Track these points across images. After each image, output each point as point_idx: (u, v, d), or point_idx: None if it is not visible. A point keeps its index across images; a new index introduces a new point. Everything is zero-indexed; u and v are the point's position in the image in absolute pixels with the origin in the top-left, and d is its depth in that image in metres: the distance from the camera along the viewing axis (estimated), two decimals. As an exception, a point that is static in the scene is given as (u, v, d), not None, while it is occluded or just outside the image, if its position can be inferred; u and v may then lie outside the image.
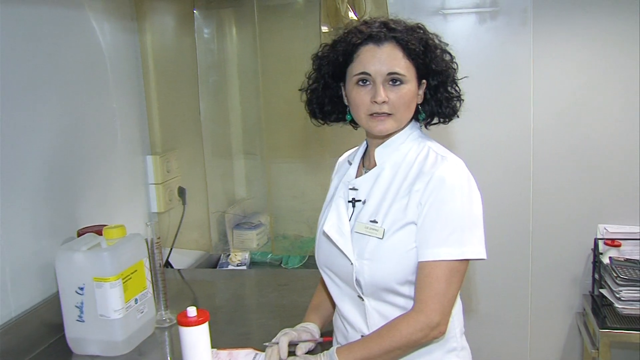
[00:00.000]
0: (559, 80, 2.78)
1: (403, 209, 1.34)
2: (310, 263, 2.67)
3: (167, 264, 2.39)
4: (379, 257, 1.35)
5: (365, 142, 1.52)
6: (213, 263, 2.74)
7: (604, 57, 2.71)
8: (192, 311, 1.36)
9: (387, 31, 1.35)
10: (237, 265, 2.70)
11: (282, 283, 2.14)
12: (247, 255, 2.76)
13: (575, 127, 2.80)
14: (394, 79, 1.34)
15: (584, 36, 2.72)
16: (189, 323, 1.35)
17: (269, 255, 2.78)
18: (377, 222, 1.36)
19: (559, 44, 2.75)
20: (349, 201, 1.44)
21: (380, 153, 1.43)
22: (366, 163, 1.49)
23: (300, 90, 1.53)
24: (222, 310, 1.91)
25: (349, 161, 1.55)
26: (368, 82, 1.36)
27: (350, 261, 1.37)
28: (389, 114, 1.36)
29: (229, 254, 2.74)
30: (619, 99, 2.73)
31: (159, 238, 1.74)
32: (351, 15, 2.44)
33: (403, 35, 1.35)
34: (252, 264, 2.78)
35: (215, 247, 2.73)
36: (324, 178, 2.60)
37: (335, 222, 1.43)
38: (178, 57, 2.55)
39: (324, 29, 2.38)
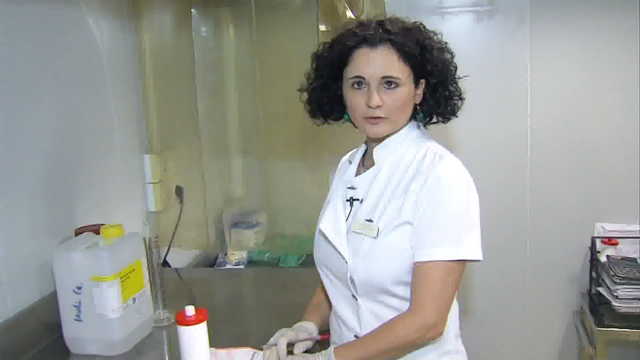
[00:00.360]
0: (556, 79, 2.79)
1: (399, 208, 1.34)
2: (308, 262, 2.67)
3: (165, 263, 2.39)
4: (373, 256, 1.35)
5: (365, 142, 1.52)
6: (211, 262, 2.74)
7: (602, 56, 2.71)
8: (190, 310, 1.36)
9: (383, 33, 1.35)
10: (235, 265, 2.69)
11: (280, 282, 2.14)
12: (244, 254, 2.75)
13: (573, 126, 2.80)
14: (389, 82, 1.34)
15: (581, 35, 2.72)
16: (187, 322, 1.35)
17: (267, 254, 2.77)
18: (372, 221, 1.36)
19: (556, 43, 2.75)
20: (347, 200, 1.45)
21: (378, 153, 1.43)
22: (366, 162, 1.49)
23: (299, 90, 1.53)
24: (220, 310, 1.91)
25: (349, 160, 1.55)
26: (363, 85, 1.36)
27: (345, 260, 1.37)
28: (384, 117, 1.36)
29: (227, 253, 2.74)
30: (617, 98, 2.73)
31: (156, 237, 1.74)
32: (349, 14, 2.44)
33: (398, 38, 1.34)
34: (250, 263, 2.78)
35: (213, 246, 2.73)
36: (321, 177, 2.61)
37: (331, 220, 1.43)
38: (175, 56, 2.55)
39: (322, 27, 2.38)
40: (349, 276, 1.37)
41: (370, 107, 1.34)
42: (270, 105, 2.55)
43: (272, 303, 1.94)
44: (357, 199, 1.43)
